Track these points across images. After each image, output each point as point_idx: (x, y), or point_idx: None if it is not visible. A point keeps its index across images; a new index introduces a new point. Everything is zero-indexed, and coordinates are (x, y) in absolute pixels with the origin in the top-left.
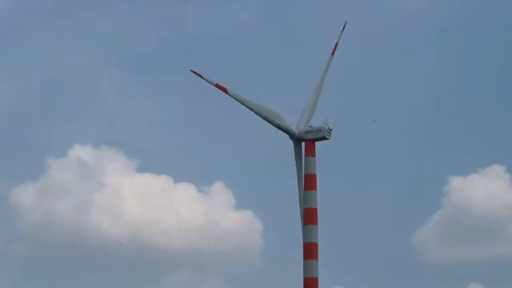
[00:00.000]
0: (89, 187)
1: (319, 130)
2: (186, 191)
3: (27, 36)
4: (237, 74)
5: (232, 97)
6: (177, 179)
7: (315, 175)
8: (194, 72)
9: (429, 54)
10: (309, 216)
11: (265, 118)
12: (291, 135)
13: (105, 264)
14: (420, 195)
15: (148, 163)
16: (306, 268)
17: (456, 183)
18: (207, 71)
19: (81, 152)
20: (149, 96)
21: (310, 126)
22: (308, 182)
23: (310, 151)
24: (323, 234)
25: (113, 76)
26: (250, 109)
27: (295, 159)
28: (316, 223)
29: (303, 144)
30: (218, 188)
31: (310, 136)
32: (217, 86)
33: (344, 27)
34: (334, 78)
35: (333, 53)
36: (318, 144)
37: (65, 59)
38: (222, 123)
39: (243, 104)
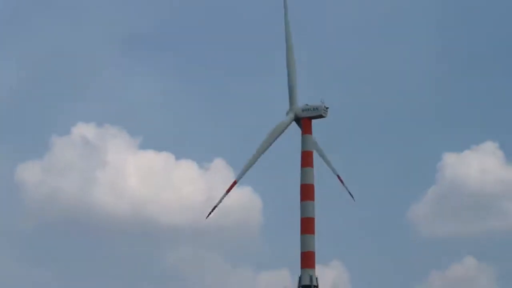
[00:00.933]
0: (93, 164)
1: (316, 108)
2: (187, 168)
3: (29, 16)
4: None
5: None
6: (178, 156)
7: (312, 152)
8: None
9: (422, 31)
10: (306, 192)
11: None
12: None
13: (108, 240)
14: (414, 171)
15: (150, 141)
16: (303, 242)
17: (449, 159)
18: None
19: (85, 130)
20: (150, 74)
21: (307, 105)
22: (305, 159)
23: (307, 129)
24: (319, 210)
25: (115, 55)
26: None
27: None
28: (312, 198)
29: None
30: (219, 165)
31: (306, 114)
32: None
33: None
34: (329, 57)
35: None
36: (314, 122)
37: (67, 38)
38: (222, 99)
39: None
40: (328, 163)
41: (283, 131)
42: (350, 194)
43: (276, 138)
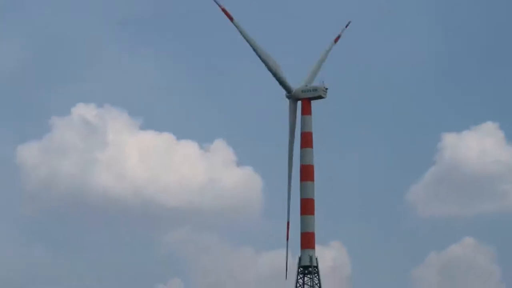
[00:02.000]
0: (93, 145)
1: (315, 89)
2: (188, 148)
3: None
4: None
5: (237, 28)
6: (179, 136)
7: (311, 133)
8: None
9: (422, 12)
10: (306, 173)
11: (267, 64)
12: (288, 91)
13: (108, 221)
14: (413, 152)
15: (151, 121)
16: (303, 223)
17: (449, 139)
18: None
19: (84, 111)
20: (150, 55)
21: (306, 86)
22: (304, 140)
23: (307, 110)
24: (319, 191)
25: (115, 36)
26: (254, 49)
27: (289, 117)
28: (312, 179)
29: (299, 102)
30: (219, 145)
31: (306, 95)
32: (224, 11)
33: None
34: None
35: (335, 41)
36: (314, 102)
37: (67, 20)
38: (223, 81)
39: (247, 40)
40: None
41: (275, 73)
42: None
43: (269, 66)
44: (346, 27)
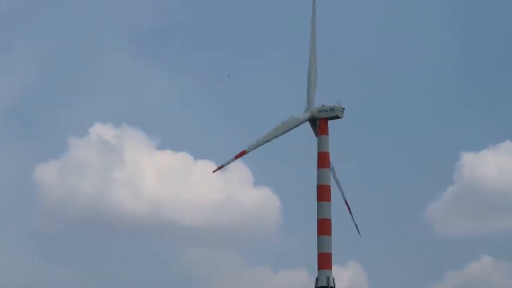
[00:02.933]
0: (110, 165)
1: (332, 109)
2: (205, 168)
3: (41, 14)
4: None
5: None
6: (196, 156)
7: (328, 153)
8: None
9: (440, 26)
10: (322, 193)
11: (311, 69)
12: (308, 107)
13: (125, 240)
14: (432, 170)
15: (168, 141)
16: (320, 243)
17: (468, 158)
18: None
19: (102, 130)
20: (167, 74)
21: (323, 105)
22: (322, 160)
23: (323, 130)
24: (335, 211)
25: (131, 55)
26: (311, 49)
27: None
28: (329, 199)
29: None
30: (236, 165)
31: (323, 115)
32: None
33: None
34: (342, 54)
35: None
36: (331, 123)
37: (82, 38)
38: (240, 100)
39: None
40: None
41: (297, 125)
42: (357, 229)
43: (288, 129)
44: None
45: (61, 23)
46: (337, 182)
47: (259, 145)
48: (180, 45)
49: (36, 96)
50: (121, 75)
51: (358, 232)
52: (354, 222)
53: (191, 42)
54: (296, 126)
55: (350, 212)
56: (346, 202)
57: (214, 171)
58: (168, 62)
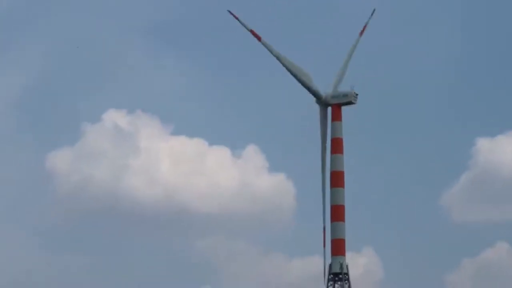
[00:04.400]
0: (125, 152)
1: (345, 95)
2: (220, 154)
3: (56, 3)
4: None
5: (265, 46)
6: (211, 142)
7: (341, 138)
8: (231, 13)
9: (453, 14)
10: (336, 179)
11: (295, 76)
12: (318, 98)
13: (140, 227)
14: (447, 157)
15: (183, 127)
16: (333, 230)
17: (483, 144)
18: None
19: (116, 117)
20: (181, 60)
21: (336, 91)
22: (335, 146)
23: (337, 116)
24: (349, 197)
25: (145, 42)
26: (282, 63)
27: (320, 123)
28: (343, 185)
29: (329, 108)
30: (251, 152)
31: (336, 101)
32: (252, 32)
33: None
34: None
35: (361, 34)
36: (344, 108)
37: (95, 26)
38: (255, 87)
39: (275, 56)
40: None
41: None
42: None
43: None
44: (371, 15)
45: (74, 15)
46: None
47: (272, 52)
48: (193, 32)
49: (50, 85)
50: (134, 63)
51: None
52: None
53: (204, 31)
54: (307, 88)
55: None
56: None
57: None
58: (183, 50)
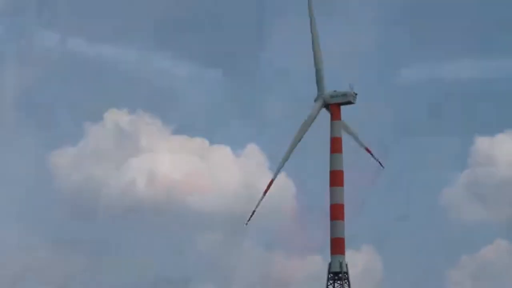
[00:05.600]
0: (126, 151)
1: (344, 94)
2: (221, 153)
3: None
4: None
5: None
6: (212, 141)
7: (340, 138)
8: None
9: (453, 14)
10: (335, 178)
11: (316, 56)
12: (321, 92)
13: (142, 226)
14: (446, 155)
15: (183, 126)
16: (332, 229)
17: (482, 142)
18: None
19: (117, 117)
20: (181, 58)
21: (335, 91)
22: (334, 145)
23: (336, 115)
24: (348, 196)
25: (144, 39)
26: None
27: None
28: (342, 184)
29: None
30: (252, 150)
31: (335, 100)
32: None
33: None
34: (355, 42)
35: None
36: (343, 108)
37: (91, 24)
38: (255, 85)
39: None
40: (355, 137)
41: (313, 120)
42: (379, 163)
43: (306, 130)
44: None
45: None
46: (351, 133)
47: (282, 165)
48: (192, 30)
49: (50, 83)
50: (133, 61)
51: (381, 165)
52: (376, 159)
53: (204, 27)
54: (313, 120)
55: (371, 154)
56: (366, 149)
57: (246, 222)
58: (182, 48)
